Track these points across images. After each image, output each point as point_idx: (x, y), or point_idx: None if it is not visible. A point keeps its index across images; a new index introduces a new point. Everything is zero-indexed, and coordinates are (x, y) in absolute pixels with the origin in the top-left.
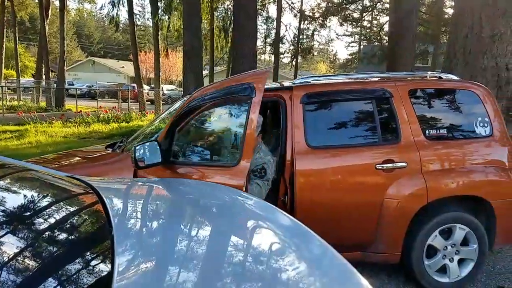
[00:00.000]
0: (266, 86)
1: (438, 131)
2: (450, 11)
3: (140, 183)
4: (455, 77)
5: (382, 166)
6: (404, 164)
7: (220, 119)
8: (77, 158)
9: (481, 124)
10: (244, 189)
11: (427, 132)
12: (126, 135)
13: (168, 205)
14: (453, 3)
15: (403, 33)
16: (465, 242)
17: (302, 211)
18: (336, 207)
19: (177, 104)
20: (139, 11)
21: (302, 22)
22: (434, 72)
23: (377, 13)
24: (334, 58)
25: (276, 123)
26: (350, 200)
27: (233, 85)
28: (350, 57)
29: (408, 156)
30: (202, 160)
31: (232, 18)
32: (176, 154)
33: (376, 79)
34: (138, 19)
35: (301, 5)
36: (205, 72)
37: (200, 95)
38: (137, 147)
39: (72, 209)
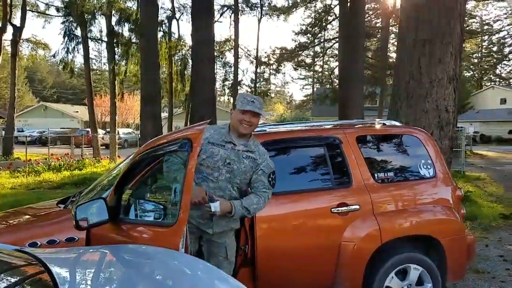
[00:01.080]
0: None
1: (386, 174)
2: (394, 55)
3: (88, 252)
4: (398, 123)
5: (337, 210)
6: (357, 206)
7: (161, 175)
8: (26, 217)
9: (425, 166)
10: (181, 250)
11: (375, 175)
12: (79, 183)
13: (115, 276)
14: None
15: (351, 76)
16: (420, 281)
17: (264, 259)
18: (296, 252)
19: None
20: (95, 55)
21: (258, 67)
22: (380, 120)
23: (327, 58)
24: (291, 99)
25: None
26: (310, 244)
27: (170, 141)
28: (305, 98)
29: (360, 199)
30: (147, 218)
31: (190, 62)
32: (125, 211)
33: (328, 126)
34: (94, 64)
35: (257, 53)
36: (164, 115)
37: (143, 150)
38: (79, 207)
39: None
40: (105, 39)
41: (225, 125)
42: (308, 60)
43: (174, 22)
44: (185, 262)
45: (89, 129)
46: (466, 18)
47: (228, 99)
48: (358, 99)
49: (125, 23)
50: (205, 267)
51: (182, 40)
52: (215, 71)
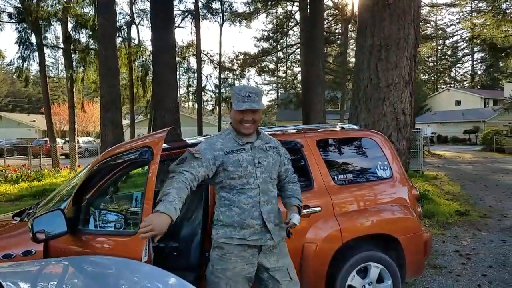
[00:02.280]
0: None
1: (345, 176)
2: (354, 60)
3: (46, 264)
4: (356, 127)
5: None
6: (318, 208)
7: (121, 184)
8: None
9: (382, 167)
10: (144, 258)
11: (336, 177)
12: (38, 195)
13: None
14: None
15: (313, 81)
16: (380, 279)
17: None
18: None
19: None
20: (52, 62)
21: (222, 73)
22: (340, 123)
23: (290, 63)
24: None
25: None
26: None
27: (129, 149)
28: (270, 103)
29: (321, 201)
30: (108, 228)
31: (151, 68)
32: (84, 222)
33: (293, 131)
34: (51, 71)
35: (220, 58)
36: (126, 122)
37: (101, 160)
38: (36, 219)
39: None
40: (62, 45)
41: (227, 129)
42: (272, 66)
43: (133, 27)
44: (145, 272)
45: (47, 139)
46: (421, 23)
47: (193, 105)
48: (320, 104)
49: (82, 29)
50: (164, 276)
51: (143, 46)
52: (178, 77)
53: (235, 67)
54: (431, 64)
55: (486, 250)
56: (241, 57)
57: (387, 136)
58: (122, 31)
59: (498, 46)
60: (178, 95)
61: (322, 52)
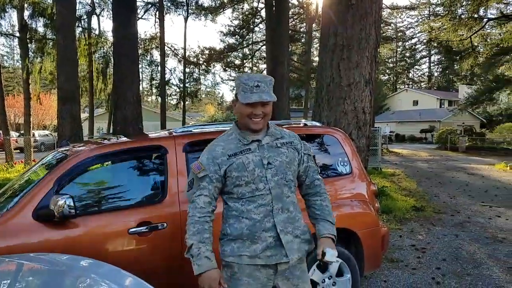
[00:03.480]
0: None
1: None
2: (317, 59)
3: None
4: (318, 124)
5: None
6: None
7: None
8: None
9: (342, 164)
10: None
11: None
12: None
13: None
14: None
15: (277, 79)
16: (340, 273)
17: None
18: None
19: (49, 157)
20: (7, 52)
21: (188, 67)
22: (303, 120)
23: (256, 60)
24: (222, 100)
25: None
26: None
27: None
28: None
29: None
30: None
31: (112, 60)
32: None
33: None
34: (6, 61)
35: (184, 52)
36: (84, 115)
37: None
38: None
39: None
40: (18, 34)
41: (229, 129)
42: (238, 62)
43: (94, 18)
44: (102, 272)
45: (0, 132)
46: (382, 25)
47: (156, 99)
48: (284, 101)
49: (40, 18)
50: (121, 276)
51: (104, 37)
52: (141, 70)
53: (201, 62)
54: (391, 65)
55: (440, 244)
56: (206, 52)
57: (348, 134)
58: (82, 21)
59: (454, 49)
60: (141, 88)
61: (287, 50)
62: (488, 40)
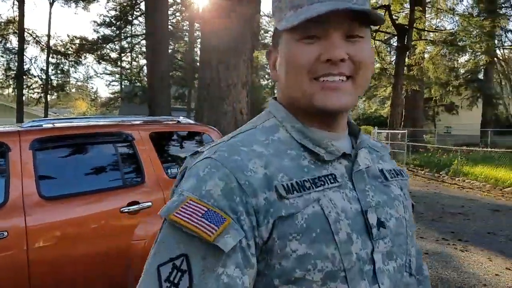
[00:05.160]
0: None
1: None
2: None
3: None
4: (191, 121)
5: (128, 209)
6: (149, 203)
7: None
8: None
9: None
10: None
11: (170, 171)
12: None
13: None
14: None
15: (158, 76)
16: None
17: (42, 275)
18: (83, 260)
19: None
20: None
21: (55, 57)
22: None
23: (136, 55)
24: (96, 96)
25: None
26: (98, 249)
27: None
28: (112, 96)
29: (153, 196)
30: None
31: None
32: None
33: (128, 123)
34: None
35: (48, 39)
36: None
37: None
38: None
39: None
40: None
41: (265, 115)
42: (114, 55)
43: None
44: None
45: None
46: (261, 32)
47: (13, 92)
48: (166, 99)
49: None
50: None
51: None
52: None
53: (70, 52)
54: (269, 70)
55: None
56: (77, 41)
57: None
58: None
59: None
60: None
61: (167, 46)
62: None
